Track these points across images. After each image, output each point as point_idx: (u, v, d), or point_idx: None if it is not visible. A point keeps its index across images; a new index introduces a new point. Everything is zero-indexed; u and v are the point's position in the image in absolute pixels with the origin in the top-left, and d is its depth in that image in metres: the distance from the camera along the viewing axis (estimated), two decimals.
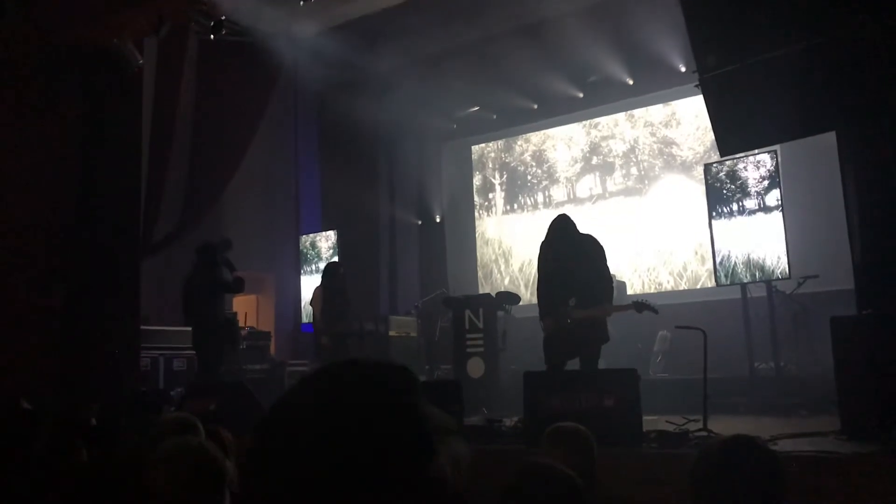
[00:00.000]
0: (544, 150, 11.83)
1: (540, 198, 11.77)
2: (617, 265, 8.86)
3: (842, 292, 6.14)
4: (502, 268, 11.99)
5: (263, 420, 0.87)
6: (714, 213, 7.73)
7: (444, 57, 10.28)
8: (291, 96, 11.92)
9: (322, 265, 10.65)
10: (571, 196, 11.40)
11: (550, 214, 6.37)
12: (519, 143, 12.16)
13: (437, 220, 12.58)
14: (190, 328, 7.93)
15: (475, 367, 8.21)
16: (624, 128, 11.05)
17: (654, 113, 10.79)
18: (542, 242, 6.02)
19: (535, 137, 11.96)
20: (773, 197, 7.40)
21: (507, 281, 11.72)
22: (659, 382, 7.83)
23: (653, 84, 10.35)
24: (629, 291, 9.75)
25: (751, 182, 7.54)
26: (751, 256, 7.41)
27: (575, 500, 1.92)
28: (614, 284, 6.35)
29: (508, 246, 11.97)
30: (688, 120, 10.41)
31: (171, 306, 8.22)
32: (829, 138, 5.82)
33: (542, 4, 9.20)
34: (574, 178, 11.44)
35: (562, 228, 5.85)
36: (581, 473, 2.19)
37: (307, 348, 10.79)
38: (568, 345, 5.68)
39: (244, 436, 3.64)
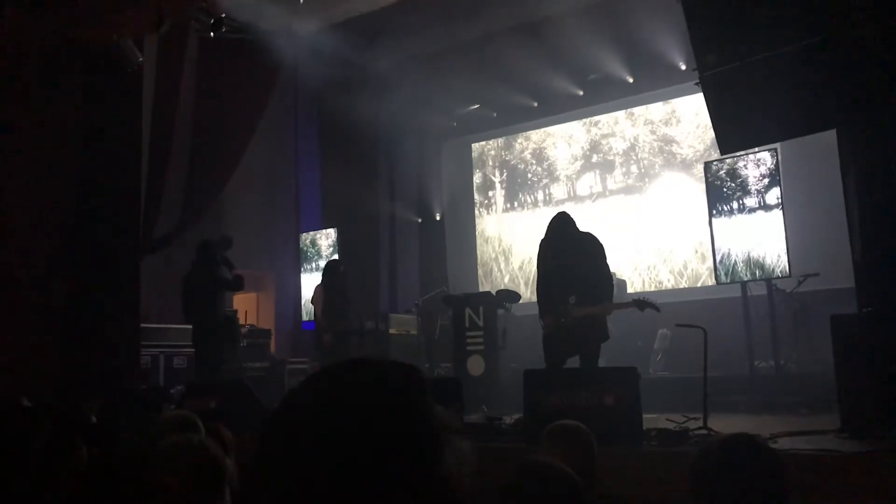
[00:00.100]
0: (544, 148, 11.83)
1: (540, 196, 11.77)
2: (617, 263, 8.86)
3: (842, 290, 6.13)
4: (502, 266, 11.99)
5: (268, 420, 0.86)
6: (714, 212, 7.72)
7: (445, 55, 10.27)
8: (291, 94, 11.92)
9: (322, 263, 10.65)
10: (572, 194, 11.40)
11: (551, 212, 6.37)
12: (519, 140, 12.16)
13: (438, 217, 12.58)
14: (190, 326, 7.94)
15: (475, 365, 8.21)
16: (624, 126, 11.04)
17: (655, 111, 10.79)
18: (542, 240, 6.02)
19: (536, 135, 11.96)
20: (774, 195, 7.40)
21: (507, 279, 11.72)
22: (659, 381, 7.84)
23: (653, 82, 10.35)
24: (629, 290, 9.76)
25: (751, 180, 7.53)
26: (751, 254, 7.41)
27: (574, 499, 1.91)
28: (614, 283, 6.36)
29: (508, 244, 11.97)
30: (688, 118, 10.41)
31: (172, 304, 8.22)
32: (830, 136, 5.81)
33: (542, 2, 9.20)
34: (574, 175, 11.43)
35: (561, 226, 5.86)
36: (581, 472, 2.19)
37: (307, 346, 10.79)
38: (568, 343, 5.68)
39: (244, 434, 3.64)
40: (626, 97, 10.77)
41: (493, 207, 12.34)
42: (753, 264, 7.40)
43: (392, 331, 9.55)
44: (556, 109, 11.38)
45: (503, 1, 9.31)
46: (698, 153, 10.22)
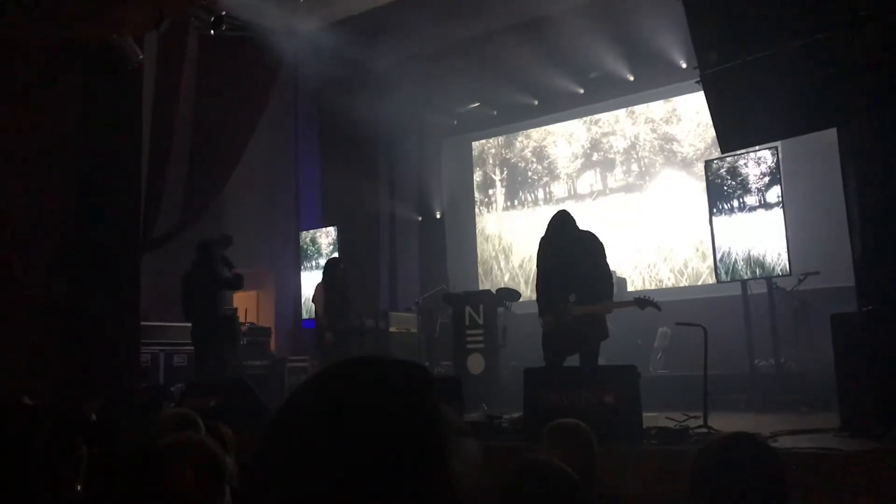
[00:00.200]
0: (545, 147, 11.83)
1: (540, 194, 11.77)
2: (617, 262, 8.87)
3: (842, 289, 6.13)
4: (502, 264, 11.99)
5: (272, 419, 0.85)
6: (714, 210, 7.72)
7: (445, 53, 10.26)
8: (292, 92, 11.91)
9: (322, 262, 10.64)
10: (572, 192, 11.39)
11: (551, 211, 6.37)
12: (519, 139, 12.15)
13: (438, 216, 12.58)
14: (190, 324, 7.94)
15: (475, 364, 8.21)
16: (625, 124, 11.04)
17: (655, 109, 10.78)
18: (542, 239, 6.01)
19: (536, 133, 11.95)
20: (774, 193, 7.39)
21: (507, 277, 11.72)
22: (659, 379, 7.84)
23: (653, 80, 10.34)
24: (630, 288, 9.76)
25: (751, 178, 7.53)
26: (751, 253, 7.41)
27: (574, 498, 1.91)
28: (615, 281, 6.36)
29: (509, 242, 11.97)
30: (688, 116, 10.41)
31: (172, 302, 8.22)
32: (830, 135, 5.80)
33: (542, 1, 9.18)
34: (574, 174, 11.43)
35: (561, 225, 5.85)
36: (581, 470, 2.19)
37: (307, 344, 10.79)
38: (567, 341, 5.68)
39: (244, 432, 3.64)
40: (627, 95, 10.76)
41: (494, 206, 12.34)
42: (754, 263, 7.39)
43: (392, 329, 9.55)
44: (556, 108, 11.37)
45: None
46: (699, 151, 10.22)
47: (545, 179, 11.75)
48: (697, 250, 9.99)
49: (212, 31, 8.56)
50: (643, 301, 5.72)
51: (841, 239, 5.67)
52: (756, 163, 7.51)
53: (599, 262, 5.77)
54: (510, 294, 8.86)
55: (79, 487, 2.51)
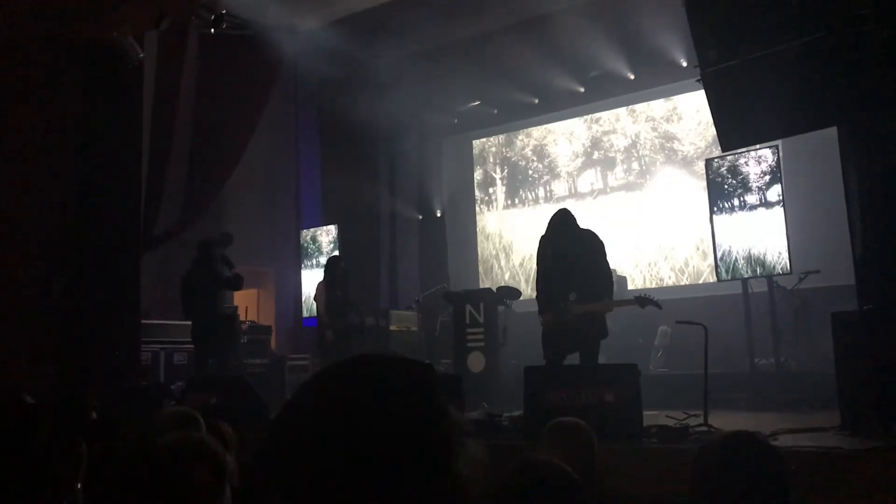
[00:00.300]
0: (545, 145, 11.82)
1: (541, 192, 11.77)
2: (618, 260, 8.86)
3: (843, 288, 6.13)
4: (503, 263, 11.98)
5: (274, 420, 0.85)
6: (715, 209, 7.71)
7: (446, 51, 10.25)
8: (292, 90, 11.90)
9: (323, 260, 10.65)
10: (572, 191, 11.39)
11: (551, 209, 6.36)
12: (520, 137, 12.14)
13: (438, 214, 12.58)
14: (190, 323, 7.94)
15: (475, 362, 8.21)
16: (625, 122, 11.03)
17: (656, 108, 10.77)
18: (542, 237, 6.01)
19: (536, 132, 11.95)
20: (775, 192, 7.39)
21: (507, 276, 11.72)
22: (659, 377, 7.84)
23: (654, 79, 10.33)
24: (630, 286, 9.76)
25: (752, 177, 7.52)
26: (752, 251, 7.40)
27: (573, 497, 1.91)
28: (615, 279, 6.36)
29: (509, 241, 11.97)
30: (689, 115, 10.40)
31: (172, 301, 8.22)
32: (831, 133, 5.80)
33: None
34: (575, 172, 11.42)
35: (562, 223, 5.85)
36: (581, 468, 2.19)
37: (308, 343, 10.79)
38: (567, 340, 5.68)
39: (245, 430, 3.64)
40: (628, 94, 10.75)
41: (494, 204, 12.34)
42: (754, 261, 7.39)
43: (392, 327, 9.56)
44: (557, 106, 11.36)
45: None
46: (699, 150, 10.21)
47: (546, 178, 11.75)
48: (698, 249, 9.99)
49: (212, 30, 8.56)
50: (643, 300, 5.72)
51: (841, 238, 5.67)
52: (757, 161, 7.51)
53: (600, 261, 5.77)
54: (511, 292, 8.85)
55: (79, 486, 2.52)
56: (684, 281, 10.14)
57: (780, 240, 7.26)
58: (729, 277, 7.59)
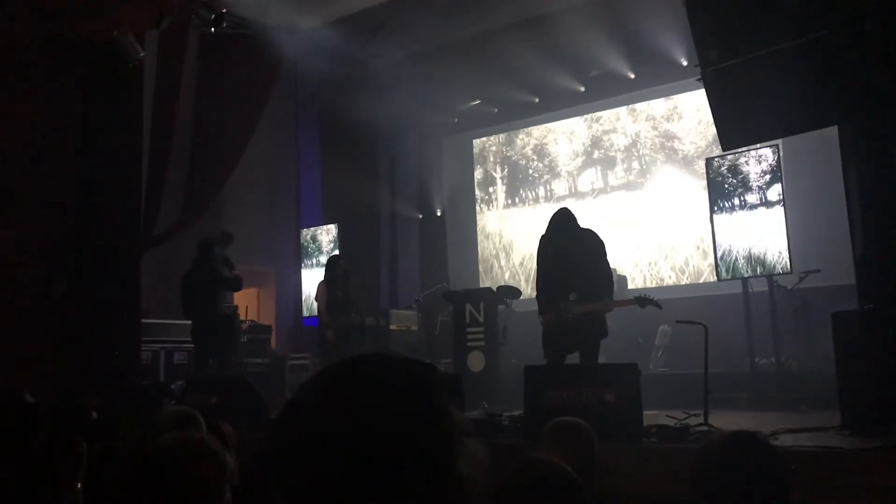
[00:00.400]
0: (546, 144, 11.82)
1: (541, 192, 11.76)
2: (618, 259, 8.86)
3: (843, 287, 6.12)
4: (503, 262, 11.98)
5: (277, 419, 0.84)
6: (715, 208, 7.71)
7: (446, 50, 10.25)
8: (292, 90, 11.90)
9: (323, 259, 10.65)
10: (573, 190, 11.39)
11: (551, 208, 6.36)
12: (520, 136, 12.14)
13: (438, 213, 12.57)
14: (190, 322, 7.94)
15: (476, 361, 8.21)
16: (625, 122, 11.02)
17: (656, 107, 10.77)
18: (542, 237, 6.01)
19: (537, 131, 11.94)
20: (775, 191, 7.39)
21: (507, 275, 11.72)
22: (659, 377, 7.84)
23: (654, 78, 10.32)
24: (630, 286, 9.76)
25: (752, 176, 7.52)
26: (752, 251, 7.40)
27: (573, 497, 1.91)
28: (615, 279, 6.36)
29: (509, 240, 11.97)
30: (689, 114, 10.39)
31: (172, 300, 8.22)
32: (831, 133, 5.80)
33: None
34: (575, 172, 11.42)
35: (562, 223, 5.84)
36: (581, 468, 2.19)
37: (308, 342, 10.79)
38: (567, 339, 5.68)
39: (245, 430, 3.64)
40: (628, 93, 10.74)
41: (494, 203, 12.34)
42: (755, 261, 7.39)
43: (392, 326, 9.55)
44: (557, 105, 11.35)
45: None
46: (700, 149, 10.21)
47: (546, 177, 11.74)
48: (698, 248, 9.99)
49: (212, 29, 8.56)
50: (643, 300, 5.72)
51: (842, 237, 5.67)
52: (757, 161, 7.51)
53: (600, 261, 5.77)
54: (511, 292, 8.85)
55: (79, 486, 2.51)
56: (684, 280, 10.13)
57: (780, 239, 7.26)
58: (729, 277, 7.59)
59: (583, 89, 10.90)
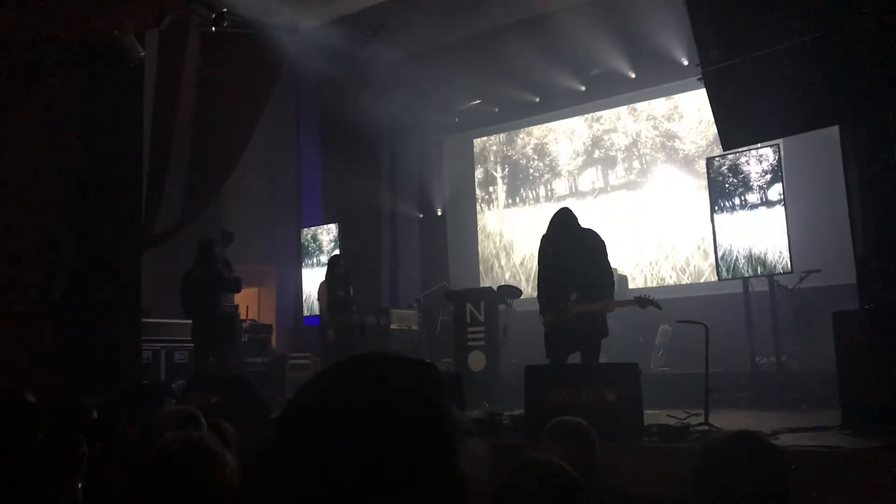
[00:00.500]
0: (546, 144, 11.82)
1: (542, 191, 11.76)
2: (619, 259, 8.86)
3: (844, 287, 6.12)
4: (503, 262, 11.98)
5: (278, 419, 0.84)
6: (716, 208, 7.71)
7: (446, 50, 10.24)
8: (293, 89, 11.90)
9: (324, 258, 10.66)
10: (573, 190, 11.38)
11: (552, 208, 6.36)
12: (521, 136, 12.14)
13: (439, 213, 12.57)
14: (190, 321, 7.94)
15: (476, 361, 8.21)
16: (626, 121, 11.02)
17: (657, 106, 10.76)
18: (543, 237, 6.00)
19: (537, 131, 11.94)
20: (776, 191, 7.38)
21: (507, 275, 11.71)
22: (660, 376, 7.83)
23: (655, 77, 10.32)
24: (631, 286, 9.76)
25: (753, 176, 7.52)
26: (753, 251, 7.40)
27: (573, 496, 1.91)
28: (616, 278, 6.35)
29: (510, 239, 11.97)
30: (690, 113, 10.39)
31: (173, 299, 8.22)
32: (832, 132, 5.79)
33: None
34: (576, 171, 11.42)
35: (563, 223, 5.83)
36: (582, 468, 2.19)
37: (309, 341, 10.80)
38: (568, 339, 5.68)
39: (246, 429, 3.63)
40: (629, 92, 10.74)
41: (495, 203, 12.34)
42: (755, 260, 7.38)
43: (393, 326, 9.55)
44: (557, 105, 11.34)
45: None
46: (700, 149, 10.20)
47: (546, 177, 11.74)
48: (699, 248, 9.98)
49: (213, 29, 8.56)
50: (644, 300, 5.71)
51: (842, 237, 5.67)
52: (758, 160, 7.50)
53: (601, 261, 5.76)
54: (511, 291, 8.85)
55: (79, 485, 2.51)
56: (685, 280, 10.13)
57: (781, 239, 7.26)
58: (730, 277, 7.59)
59: (583, 89, 10.90)
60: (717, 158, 7.88)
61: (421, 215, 12.61)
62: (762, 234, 7.37)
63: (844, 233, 5.49)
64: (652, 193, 10.60)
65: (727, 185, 7.67)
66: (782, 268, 7.24)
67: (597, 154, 11.24)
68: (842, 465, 3.70)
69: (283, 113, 11.88)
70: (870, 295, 4.84)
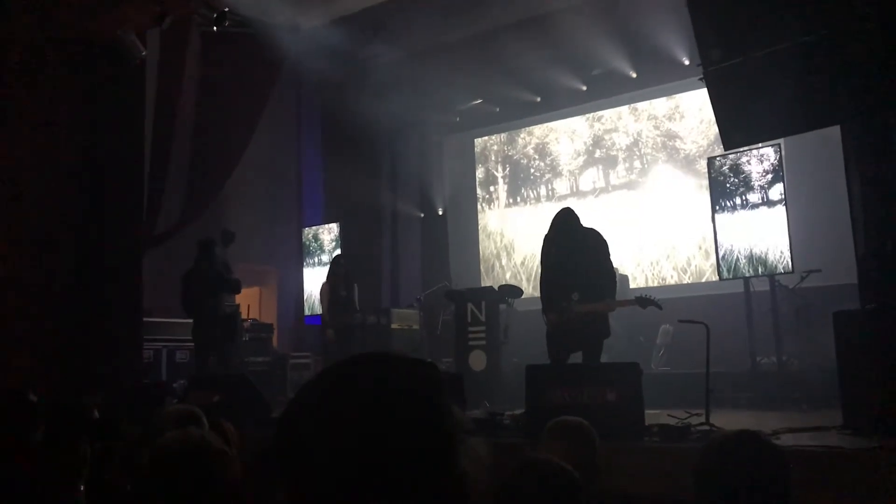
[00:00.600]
0: (547, 143, 11.81)
1: (542, 191, 11.76)
2: (620, 259, 8.84)
3: (845, 287, 6.12)
4: (504, 261, 11.98)
5: (279, 419, 0.85)
6: (717, 207, 7.71)
7: (447, 49, 10.24)
8: (294, 88, 11.90)
9: (325, 258, 10.67)
10: (574, 189, 11.38)
11: (553, 208, 6.36)
12: (522, 135, 12.14)
13: (440, 212, 12.57)
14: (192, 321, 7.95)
15: (477, 360, 8.21)
16: (627, 121, 11.02)
17: (658, 106, 10.76)
18: (546, 236, 6.00)
19: (538, 130, 11.94)
20: (777, 191, 7.38)
21: (508, 275, 11.71)
22: (661, 376, 7.83)
23: (656, 77, 10.31)
24: (632, 285, 9.76)
25: (754, 176, 7.51)
26: (754, 251, 7.39)
27: (573, 496, 1.92)
28: (617, 278, 6.36)
29: (510, 239, 11.97)
30: (691, 113, 10.39)
31: (174, 299, 8.23)
32: (833, 132, 5.79)
33: None
34: (577, 171, 11.42)
35: (565, 222, 5.83)
36: (583, 467, 2.19)
37: (310, 341, 10.80)
38: (570, 339, 5.68)
39: (247, 428, 3.64)
40: (630, 92, 10.73)
41: (496, 202, 12.33)
42: (756, 260, 7.38)
43: (394, 325, 9.56)
44: (558, 104, 11.34)
45: None
46: (701, 149, 10.20)
47: (547, 176, 11.74)
48: (700, 248, 9.98)
49: (214, 28, 8.57)
50: (645, 300, 5.71)
51: (843, 237, 5.67)
52: (759, 160, 7.50)
53: (603, 260, 5.76)
54: (512, 291, 8.85)
55: (82, 488, 2.51)
56: (686, 280, 10.13)
57: (781, 239, 7.26)
58: (731, 276, 7.59)
59: (584, 88, 10.89)
60: (718, 158, 7.88)
61: (422, 215, 12.61)
62: (763, 233, 7.37)
63: (845, 233, 5.49)
64: (653, 193, 10.59)
65: (728, 185, 7.67)
66: (783, 268, 7.24)
67: (598, 154, 11.24)
68: (842, 465, 3.70)
69: (283, 112, 11.88)
70: (871, 295, 4.84)
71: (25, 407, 2.62)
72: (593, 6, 9.09)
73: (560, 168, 11.59)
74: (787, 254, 7.20)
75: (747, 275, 7.43)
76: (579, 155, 11.41)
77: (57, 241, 7.72)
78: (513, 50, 9.79)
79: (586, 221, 6.01)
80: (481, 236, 12.36)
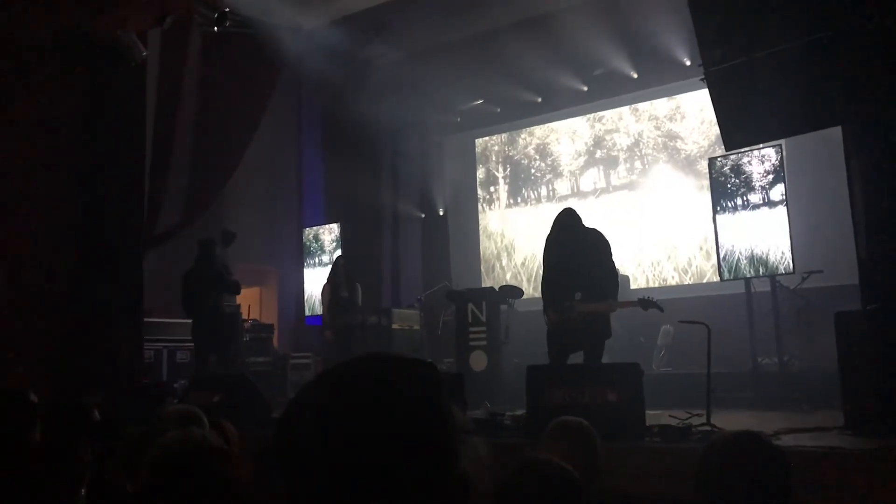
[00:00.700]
0: (548, 144, 11.81)
1: (543, 191, 11.76)
2: (621, 259, 8.83)
3: (846, 287, 6.12)
4: (504, 262, 11.98)
5: (280, 419, 0.85)
6: (718, 208, 7.70)
7: (448, 50, 10.25)
8: (295, 89, 11.91)
9: (325, 258, 10.67)
10: (575, 190, 11.38)
11: (554, 208, 6.35)
12: (523, 136, 12.14)
13: (441, 213, 12.57)
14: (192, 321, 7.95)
15: (478, 361, 8.21)
16: (628, 121, 11.02)
17: (659, 107, 10.76)
18: (548, 236, 6.00)
19: (539, 131, 11.94)
20: (778, 191, 7.38)
21: (509, 275, 11.71)
22: (662, 377, 7.83)
23: (657, 78, 10.31)
24: (633, 286, 9.75)
25: (755, 176, 7.51)
26: (755, 251, 7.39)
27: (573, 496, 1.91)
28: (619, 279, 6.35)
29: (511, 240, 11.96)
30: (692, 114, 10.38)
31: (175, 299, 8.23)
32: (835, 133, 5.78)
33: None
34: (578, 171, 11.42)
35: (568, 222, 5.83)
36: (584, 468, 2.19)
37: (310, 341, 10.80)
38: (571, 339, 5.67)
39: (247, 428, 3.64)
40: (631, 93, 10.73)
41: (496, 203, 12.33)
42: (757, 261, 7.38)
43: (395, 326, 9.56)
44: (559, 105, 11.34)
45: None
46: (702, 149, 10.20)
47: (548, 177, 11.74)
48: (701, 248, 9.98)
49: (215, 28, 8.57)
50: (646, 302, 5.71)
51: (845, 237, 5.66)
52: (760, 161, 7.50)
53: (605, 260, 5.76)
54: (513, 291, 8.85)
55: (83, 492, 2.51)
56: (687, 280, 10.13)
57: (783, 239, 7.25)
58: (732, 277, 7.58)
59: (585, 89, 10.89)
60: (719, 159, 7.88)
61: (422, 215, 12.61)
62: (764, 234, 7.36)
63: (846, 233, 5.48)
64: (654, 194, 10.59)
65: (729, 186, 7.66)
66: (784, 268, 7.23)
67: (598, 154, 11.24)
68: (844, 466, 3.70)
69: (284, 113, 11.89)
70: (872, 295, 4.84)
71: (25, 407, 2.61)
72: (594, 6, 9.09)
73: (561, 168, 11.59)
74: (789, 254, 7.20)
75: (748, 275, 7.43)
76: (580, 155, 11.41)
77: (56, 241, 7.71)
78: (513, 50, 9.78)
79: (587, 222, 6.01)
80: (482, 237, 12.36)
